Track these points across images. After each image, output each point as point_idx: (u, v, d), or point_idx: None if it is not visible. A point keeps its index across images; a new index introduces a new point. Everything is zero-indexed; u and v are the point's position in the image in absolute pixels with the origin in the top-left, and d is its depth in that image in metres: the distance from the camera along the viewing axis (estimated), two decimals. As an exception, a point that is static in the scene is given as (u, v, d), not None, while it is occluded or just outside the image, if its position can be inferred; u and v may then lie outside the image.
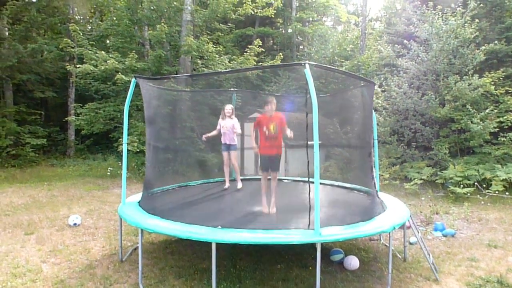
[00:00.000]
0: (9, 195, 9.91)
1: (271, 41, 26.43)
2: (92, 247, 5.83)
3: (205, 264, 4.99)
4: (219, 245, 3.93)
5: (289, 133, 5.08)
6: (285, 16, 23.30)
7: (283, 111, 10.99)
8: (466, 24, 11.27)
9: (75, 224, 6.99)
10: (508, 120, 10.55)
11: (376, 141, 6.27)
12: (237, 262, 5.07)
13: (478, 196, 9.13)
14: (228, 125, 6.74)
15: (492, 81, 11.01)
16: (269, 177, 5.27)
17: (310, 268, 4.82)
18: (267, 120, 5.14)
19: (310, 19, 24.28)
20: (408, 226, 5.38)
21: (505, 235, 6.50)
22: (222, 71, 12.90)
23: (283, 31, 24.80)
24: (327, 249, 5.30)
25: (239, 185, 6.75)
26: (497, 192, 9.11)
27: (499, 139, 10.53)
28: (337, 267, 5.02)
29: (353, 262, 4.94)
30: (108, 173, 13.72)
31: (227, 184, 6.73)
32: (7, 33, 16.55)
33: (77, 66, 13.67)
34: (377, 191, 5.70)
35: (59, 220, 7.42)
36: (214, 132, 6.91)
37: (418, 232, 5.10)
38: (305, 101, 4.07)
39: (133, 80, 5.20)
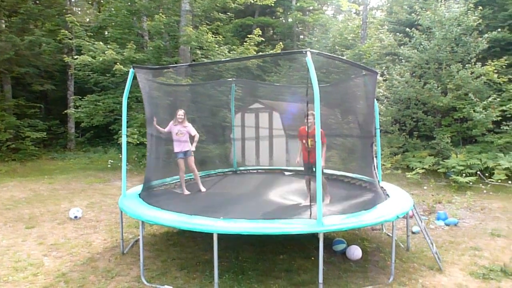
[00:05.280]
0: (10, 189, 9.89)
1: (271, 31, 26.14)
2: (93, 240, 5.82)
3: (208, 256, 4.96)
4: (221, 236, 3.90)
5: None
6: (285, 5, 23.03)
7: (284, 101, 10.94)
8: (469, 12, 11.10)
9: (75, 217, 6.97)
10: (511, 109, 10.45)
11: (378, 130, 6.21)
12: (239, 253, 5.05)
13: (481, 185, 9.08)
14: (184, 131, 6.21)
15: (495, 69, 10.90)
16: None
17: (313, 258, 4.80)
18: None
19: (311, 8, 23.97)
20: (411, 215, 5.34)
21: (509, 224, 6.47)
22: (222, 60, 12.67)
23: (283, 21, 24.52)
24: (330, 239, 5.27)
25: (202, 188, 6.23)
26: (499, 181, 9.06)
27: (502, 127, 10.47)
28: (339, 257, 5.00)
29: (356, 252, 4.92)
30: (109, 166, 13.69)
31: (186, 191, 6.08)
32: (3, 26, 16.34)
33: (75, 57, 13.53)
34: (379, 180, 5.65)
35: (61, 213, 7.40)
36: (161, 130, 6.23)
37: (421, 222, 5.06)
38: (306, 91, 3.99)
39: (131, 70, 5.11)
